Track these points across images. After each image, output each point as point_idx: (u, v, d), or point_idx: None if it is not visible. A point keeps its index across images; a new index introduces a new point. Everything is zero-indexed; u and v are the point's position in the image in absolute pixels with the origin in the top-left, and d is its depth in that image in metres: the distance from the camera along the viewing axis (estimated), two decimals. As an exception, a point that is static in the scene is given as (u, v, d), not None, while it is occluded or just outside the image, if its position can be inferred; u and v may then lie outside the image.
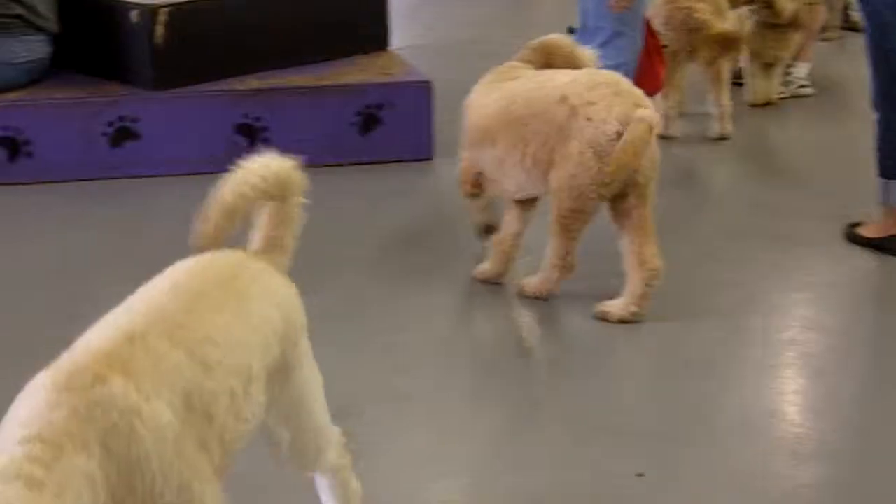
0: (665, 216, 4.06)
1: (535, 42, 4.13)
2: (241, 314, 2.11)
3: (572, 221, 3.74)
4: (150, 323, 1.97)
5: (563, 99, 3.70)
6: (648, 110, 3.68)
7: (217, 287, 2.14)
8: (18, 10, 4.90)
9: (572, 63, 4.00)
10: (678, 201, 4.78)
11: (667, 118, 5.35)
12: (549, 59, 4.05)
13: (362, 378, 3.44)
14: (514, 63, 4.08)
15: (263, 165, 2.36)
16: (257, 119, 5.06)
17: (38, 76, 5.02)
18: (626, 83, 3.80)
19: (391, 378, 3.47)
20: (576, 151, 3.65)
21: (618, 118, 3.62)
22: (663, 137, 5.33)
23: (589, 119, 3.64)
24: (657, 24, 5.35)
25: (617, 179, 3.63)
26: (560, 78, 3.85)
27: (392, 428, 3.20)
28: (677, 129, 5.56)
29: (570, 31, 4.65)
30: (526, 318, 3.92)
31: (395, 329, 3.77)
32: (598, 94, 3.68)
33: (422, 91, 5.20)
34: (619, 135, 3.60)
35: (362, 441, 2.83)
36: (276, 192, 2.35)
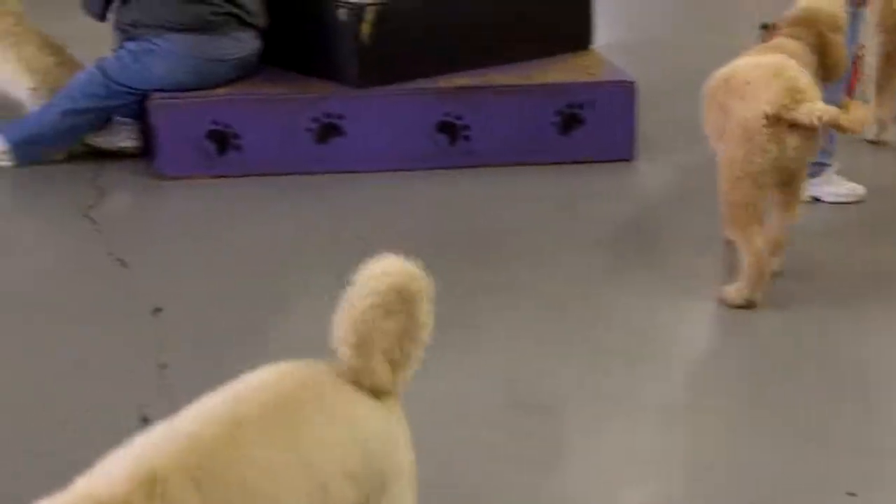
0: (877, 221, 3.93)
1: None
2: (295, 449, 1.76)
3: (734, 209, 3.68)
4: (181, 458, 1.69)
5: (728, 78, 3.70)
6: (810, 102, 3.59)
7: (275, 411, 1.80)
8: (231, 8, 5.01)
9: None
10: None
11: (880, 123, 5.17)
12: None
13: (565, 377, 3.41)
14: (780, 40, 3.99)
15: (378, 278, 1.93)
16: (458, 117, 5.06)
17: (246, 72, 5.13)
18: (793, 68, 3.70)
19: (595, 378, 3.42)
20: (730, 131, 3.61)
21: (769, 101, 3.55)
22: (874, 143, 5.17)
23: (742, 98, 3.60)
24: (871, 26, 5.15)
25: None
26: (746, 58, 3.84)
27: (592, 428, 3.16)
28: (889, 134, 5.34)
29: (764, 27, 4.50)
30: (727, 324, 3.83)
31: (601, 328, 3.73)
32: (757, 75, 3.63)
33: (625, 91, 5.12)
34: (769, 117, 3.53)
35: (561, 440, 2.81)
36: (397, 308, 1.92)
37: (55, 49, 5.25)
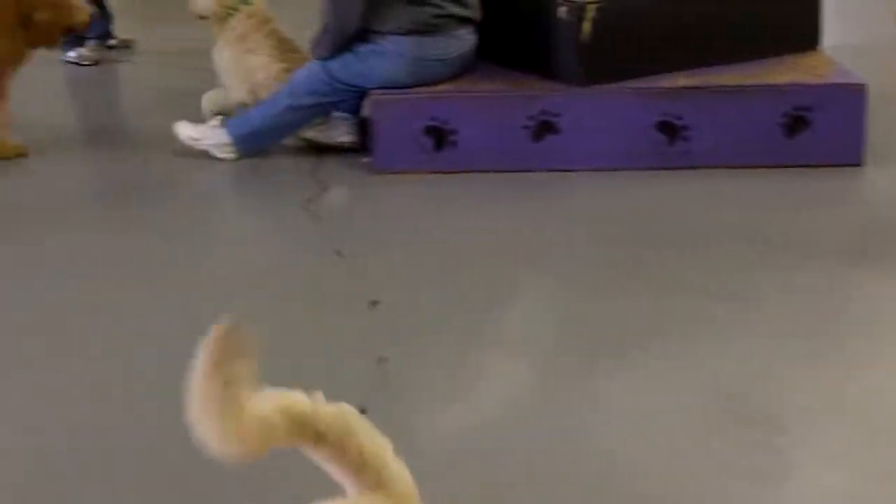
0: None
1: None
2: None
3: None
4: None
5: None
6: None
7: None
8: (452, 9, 5.02)
9: None
10: None
11: None
12: None
13: (789, 387, 3.29)
14: None
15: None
16: (678, 118, 4.95)
17: (465, 68, 5.13)
18: None
19: (825, 389, 3.29)
20: None
21: None
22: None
23: None
24: None
25: None
26: None
27: (820, 447, 3.02)
28: None
29: None
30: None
31: (823, 338, 3.59)
32: None
33: (855, 93, 4.92)
34: None
35: (791, 453, 2.70)
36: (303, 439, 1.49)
37: (289, 55, 5.32)
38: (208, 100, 5.48)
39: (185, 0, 5.49)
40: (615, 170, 4.98)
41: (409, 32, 4.96)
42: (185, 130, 5.25)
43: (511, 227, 4.54)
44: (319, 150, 5.30)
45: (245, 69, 5.29)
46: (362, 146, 5.24)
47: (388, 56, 4.98)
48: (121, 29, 7.18)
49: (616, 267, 4.16)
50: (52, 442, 3.09)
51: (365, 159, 5.17)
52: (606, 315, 3.79)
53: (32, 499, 2.88)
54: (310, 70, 5.10)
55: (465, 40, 5.08)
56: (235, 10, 5.31)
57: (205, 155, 5.18)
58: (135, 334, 3.69)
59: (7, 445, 3.09)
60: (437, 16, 4.98)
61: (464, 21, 5.07)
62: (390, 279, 4.06)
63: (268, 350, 3.43)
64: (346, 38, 5.00)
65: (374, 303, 3.85)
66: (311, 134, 5.32)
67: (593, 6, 4.91)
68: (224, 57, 5.36)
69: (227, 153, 5.18)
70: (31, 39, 5.12)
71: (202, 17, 5.40)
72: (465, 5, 5.06)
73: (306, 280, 4.13)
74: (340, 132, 5.31)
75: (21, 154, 5.22)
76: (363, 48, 5.00)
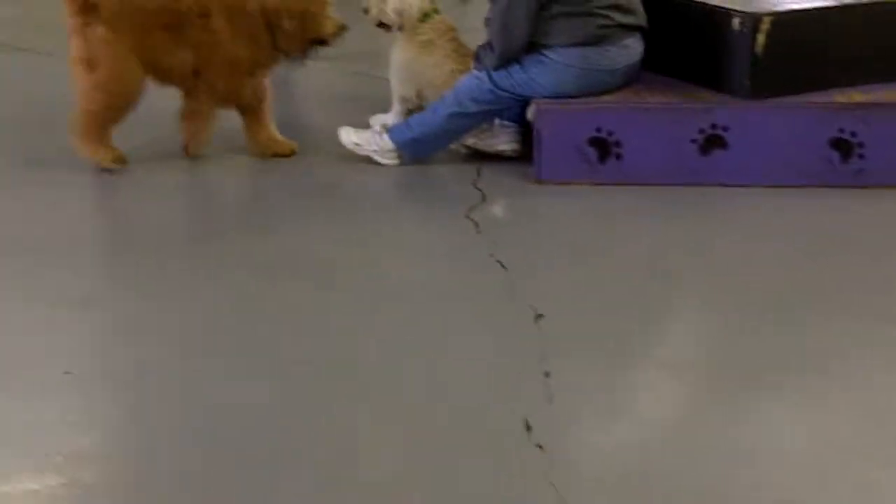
0: None
1: None
2: None
3: None
4: None
5: None
6: None
7: None
8: (618, 17, 4.94)
9: None
10: None
11: None
12: None
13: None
14: None
15: None
16: (853, 134, 4.80)
17: (631, 78, 5.06)
18: None
19: None
20: None
21: None
22: None
23: None
24: None
25: None
26: None
27: None
28: None
29: None
30: None
31: None
32: None
33: None
34: None
35: None
36: None
37: (463, 58, 5.32)
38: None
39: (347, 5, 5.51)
40: (784, 187, 4.85)
41: (575, 44, 4.90)
42: (349, 136, 5.28)
43: (677, 242, 4.45)
44: (481, 157, 5.28)
45: (418, 67, 5.32)
46: (524, 155, 5.20)
47: (553, 67, 4.93)
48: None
49: (785, 286, 4.04)
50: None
51: (527, 168, 5.13)
52: (776, 335, 3.68)
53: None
54: (474, 78, 5.07)
55: (631, 49, 5.00)
56: (428, 16, 5.34)
57: (367, 160, 5.20)
58: (305, 332, 3.72)
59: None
60: (604, 26, 4.91)
61: (630, 29, 4.99)
62: (554, 292, 4.00)
63: (430, 354, 3.47)
64: (511, 55, 4.97)
65: (539, 316, 3.80)
66: (473, 141, 5.31)
67: (768, 18, 4.79)
68: (400, 56, 5.39)
69: (390, 159, 5.20)
70: (278, 47, 5.22)
71: (381, 25, 5.42)
72: (631, 13, 4.99)
73: (469, 290, 4.10)
74: (503, 140, 5.28)
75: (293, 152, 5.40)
76: (528, 58, 4.96)
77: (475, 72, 5.10)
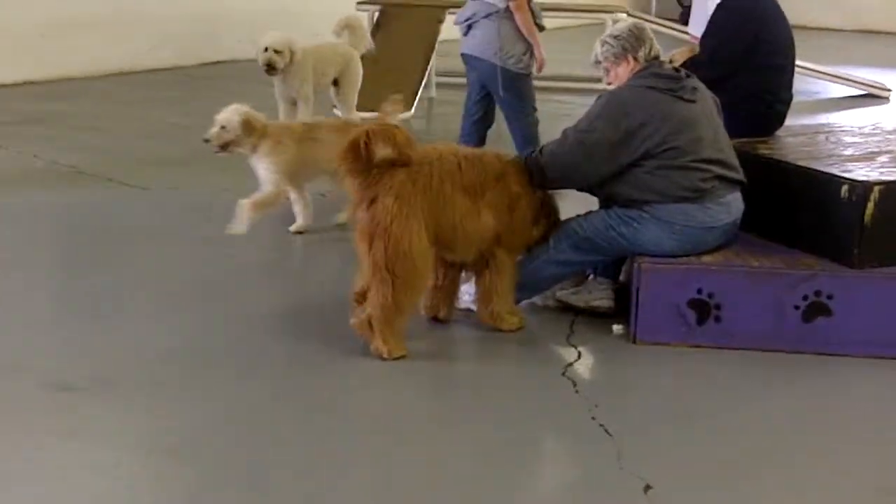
0: None
1: None
2: None
3: None
4: None
5: None
6: None
7: None
8: (718, 170, 4.89)
9: None
10: None
11: None
12: None
13: None
14: None
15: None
16: (961, 308, 4.69)
17: (731, 237, 4.98)
18: None
19: None
20: None
21: None
22: None
23: None
24: None
25: None
26: None
27: None
28: None
29: None
30: None
31: None
32: None
33: None
34: None
35: None
36: None
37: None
38: None
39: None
40: (889, 358, 4.71)
41: (676, 199, 4.85)
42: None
43: (782, 413, 4.30)
44: (573, 312, 5.18)
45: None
46: (617, 312, 5.11)
47: (653, 222, 4.86)
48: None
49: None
50: None
51: (618, 326, 5.02)
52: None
53: None
54: (573, 225, 5.01)
55: (732, 207, 4.93)
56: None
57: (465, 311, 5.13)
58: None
59: None
60: (704, 179, 4.85)
61: (730, 183, 4.92)
62: (663, 462, 3.87)
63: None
64: (539, 179, 4.93)
65: (648, 487, 3.66)
66: (566, 296, 5.22)
67: (878, 187, 4.71)
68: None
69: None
70: None
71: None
72: (730, 167, 4.93)
73: (573, 456, 3.98)
74: (597, 297, 5.19)
75: None
76: (627, 213, 4.90)
77: (576, 220, 5.02)
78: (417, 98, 9.59)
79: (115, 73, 11.32)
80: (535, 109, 7.02)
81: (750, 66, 5.87)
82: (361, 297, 4.73)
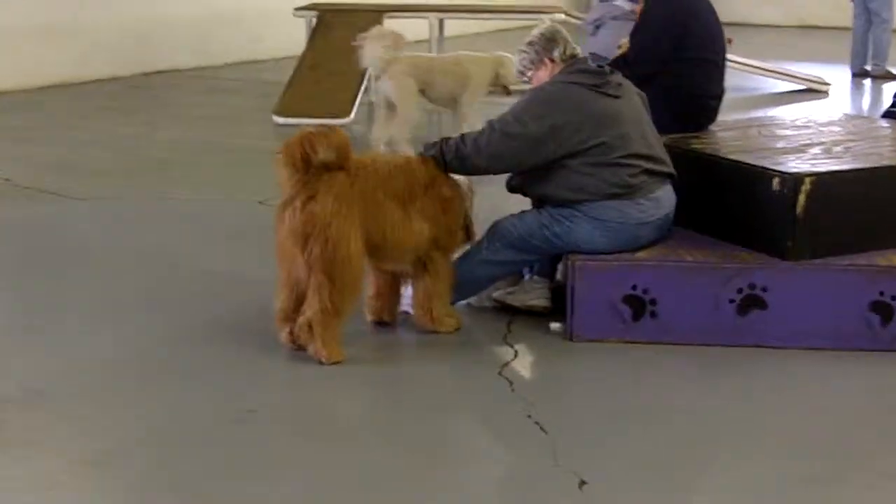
0: None
1: None
2: None
3: None
4: None
5: None
6: None
7: None
8: (645, 164, 4.89)
9: None
10: None
11: None
12: None
13: None
14: None
15: None
16: (894, 298, 4.71)
17: (664, 232, 4.99)
18: None
19: None
20: None
21: None
22: None
23: None
24: None
25: None
26: None
27: None
28: None
29: None
30: None
31: None
32: None
33: None
34: None
35: None
36: None
37: None
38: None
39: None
40: (824, 349, 4.74)
41: (606, 196, 4.85)
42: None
43: (716, 408, 4.31)
44: (509, 311, 5.18)
45: None
46: (554, 311, 5.11)
47: (585, 220, 4.87)
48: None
49: (826, 454, 3.91)
50: None
51: (555, 325, 5.02)
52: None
53: None
54: (506, 225, 5.00)
55: (663, 201, 4.95)
56: None
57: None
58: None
59: None
60: (633, 174, 4.86)
61: (660, 177, 4.94)
62: (596, 458, 3.86)
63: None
64: (462, 167, 4.91)
65: (583, 482, 3.66)
66: (501, 295, 5.21)
67: (809, 179, 4.74)
68: None
69: (422, 310, 5.09)
70: None
71: None
72: (658, 161, 4.95)
73: (509, 454, 3.97)
74: (533, 296, 5.18)
75: None
76: (560, 212, 4.90)
77: (510, 218, 5.02)
78: (357, 103, 9.56)
79: (49, 84, 11.18)
80: None
81: (680, 61, 5.90)
82: (286, 316, 4.68)
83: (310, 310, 4.56)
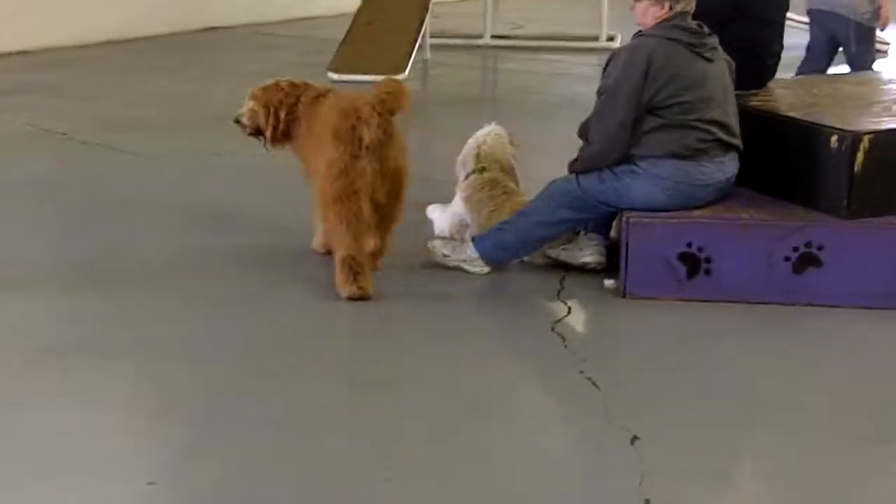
0: None
1: None
2: None
3: None
4: None
5: None
6: None
7: None
8: (718, 133, 4.85)
9: None
10: None
11: None
12: None
13: None
14: None
15: None
16: (953, 256, 4.67)
17: (724, 194, 4.95)
18: None
19: None
20: None
21: None
22: None
23: None
24: None
25: None
26: None
27: None
28: None
29: None
30: None
31: None
32: None
33: None
34: None
35: None
36: None
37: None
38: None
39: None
40: (882, 309, 4.70)
41: (670, 156, 4.81)
42: (437, 248, 5.19)
43: (770, 365, 4.29)
44: (563, 268, 5.17)
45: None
46: (608, 268, 5.09)
47: (645, 177, 4.83)
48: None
49: (881, 417, 3.88)
50: None
51: (608, 282, 5.00)
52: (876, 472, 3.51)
53: None
54: (564, 184, 4.99)
55: (727, 166, 4.90)
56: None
57: (454, 271, 5.11)
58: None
59: None
60: (702, 140, 4.81)
61: (728, 147, 4.89)
62: (649, 414, 3.86)
63: (526, 479, 3.33)
64: (599, 161, 4.89)
65: (635, 438, 3.66)
66: (556, 253, 5.21)
67: (868, 137, 4.68)
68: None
69: (478, 268, 5.10)
70: None
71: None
72: (731, 132, 4.89)
73: (561, 410, 3.98)
74: (587, 253, 5.17)
75: None
76: (620, 168, 4.87)
77: (566, 178, 5.01)
78: (412, 60, 9.54)
79: (103, 41, 11.24)
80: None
81: (740, 19, 5.82)
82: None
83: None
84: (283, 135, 5.19)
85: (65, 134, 7.62)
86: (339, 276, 4.79)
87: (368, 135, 4.72)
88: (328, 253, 5.06)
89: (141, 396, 4.00)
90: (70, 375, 4.10)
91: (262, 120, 5.20)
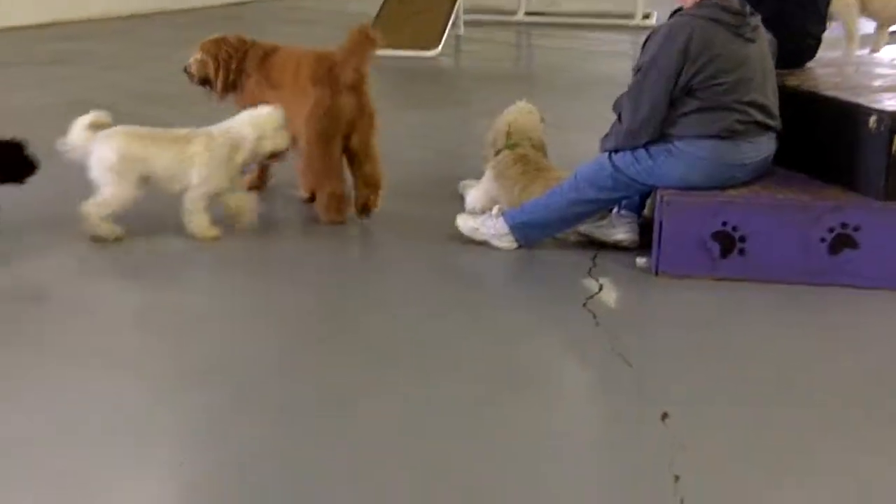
0: None
1: None
2: None
3: None
4: None
5: None
6: None
7: None
8: (757, 115, 4.80)
9: None
10: None
11: None
12: None
13: None
14: None
15: None
16: None
17: (760, 174, 4.91)
18: None
19: None
20: None
21: None
22: None
23: None
24: None
25: None
26: None
27: None
28: None
29: None
30: None
31: None
32: None
33: None
34: None
35: None
36: None
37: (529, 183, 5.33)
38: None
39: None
40: (916, 291, 4.66)
41: (708, 136, 4.77)
42: (466, 222, 5.19)
43: (801, 346, 4.25)
44: (596, 246, 5.15)
45: (492, 193, 5.46)
46: (640, 246, 5.07)
47: (682, 157, 4.79)
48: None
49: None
50: None
51: (641, 260, 4.98)
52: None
53: None
54: (597, 163, 4.96)
55: (764, 146, 4.86)
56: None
57: (482, 245, 5.10)
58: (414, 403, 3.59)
59: None
60: (741, 122, 4.76)
61: (766, 129, 4.85)
62: (681, 391, 3.83)
63: (556, 456, 3.31)
64: (635, 139, 4.85)
65: (666, 415, 3.64)
66: (589, 230, 5.18)
67: (907, 117, 4.63)
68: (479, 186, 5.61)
69: (506, 243, 5.09)
70: None
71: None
72: (769, 114, 4.84)
73: (592, 386, 3.96)
74: (620, 230, 5.15)
75: None
76: (656, 147, 4.83)
77: (599, 157, 4.98)
78: (445, 36, 9.51)
79: (139, 13, 11.26)
80: None
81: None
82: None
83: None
84: (232, 86, 5.46)
85: (98, 105, 7.62)
86: (325, 210, 5.36)
87: (346, 75, 5.16)
88: (312, 199, 5.51)
89: (187, 361, 4.01)
90: (122, 342, 4.13)
91: (210, 71, 5.51)
